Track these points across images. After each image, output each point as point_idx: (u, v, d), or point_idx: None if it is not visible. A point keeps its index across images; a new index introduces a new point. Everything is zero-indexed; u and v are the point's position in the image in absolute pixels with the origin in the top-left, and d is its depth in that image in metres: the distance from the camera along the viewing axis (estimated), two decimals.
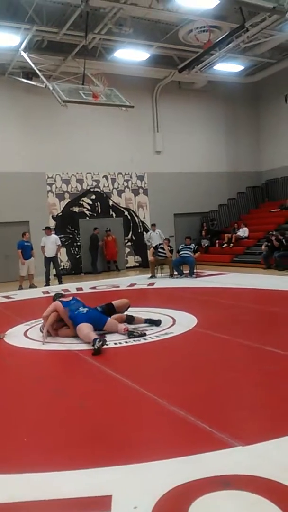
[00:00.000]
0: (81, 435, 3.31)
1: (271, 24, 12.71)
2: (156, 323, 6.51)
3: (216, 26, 12.71)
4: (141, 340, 5.79)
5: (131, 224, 17.22)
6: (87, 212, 16.37)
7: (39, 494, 2.57)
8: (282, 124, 18.28)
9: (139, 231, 17.28)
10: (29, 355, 5.71)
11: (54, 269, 13.41)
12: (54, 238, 13.35)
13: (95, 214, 16.47)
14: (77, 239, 16.13)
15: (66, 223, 15.94)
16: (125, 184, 17.05)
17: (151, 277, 13.08)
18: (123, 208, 17.05)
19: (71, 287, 12.13)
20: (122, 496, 2.49)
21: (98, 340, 5.40)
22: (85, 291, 11.23)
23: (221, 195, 18.68)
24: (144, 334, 5.96)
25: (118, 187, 16.92)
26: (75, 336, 6.03)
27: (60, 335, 6.23)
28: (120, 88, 12.82)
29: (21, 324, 7.18)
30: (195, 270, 12.85)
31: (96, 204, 16.53)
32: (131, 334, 5.94)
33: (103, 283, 12.54)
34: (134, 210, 17.26)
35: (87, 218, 16.32)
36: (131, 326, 6.25)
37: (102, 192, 16.61)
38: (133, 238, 17.22)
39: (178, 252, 13.44)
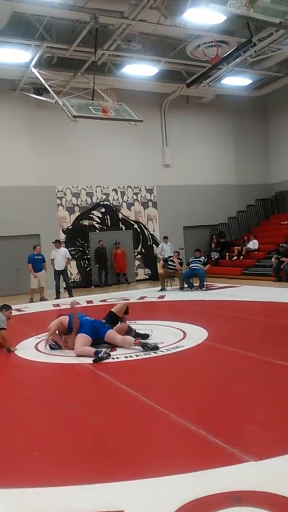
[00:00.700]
0: (91, 449, 3.30)
1: (278, 39, 12.80)
2: (143, 337, 6.46)
3: (224, 41, 12.83)
4: (152, 354, 5.77)
5: (141, 237, 17.26)
6: (96, 225, 16.46)
7: (50, 509, 2.57)
8: None
9: (149, 243, 17.31)
10: (40, 368, 5.72)
11: (64, 282, 13.45)
12: (63, 251, 13.42)
13: (104, 227, 16.55)
14: (87, 252, 16.19)
15: (76, 236, 16.03)
16: (135, 197, 17.14)
17: (161, 290, 13.06)
18: (133, 221, 17.12)
19: (81, 300, 12.11)
20: (133, 511, 2.47)
21: (101, 352, 5.59)
22: (95, 304, 11.25)
23: (231, 207, 18.68)
24: (157, 348, 5.94)
25: (127, 200, 17.00)
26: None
27: (69, 345, 6.24)
28: (129, 103, 12.96)
29: (32, 337, 7.21)
30: (205, 283, 12.82)
31: (105, 217, 16.62)
32: (145, 346, 5.94)
33: (113, 296, 12.54)
34: (144, 223, 17.31)
35: (97, 231, 16.40)
36: (142, 340, 6.23)
37: (111, 205, 16.70)
38: (143, 250, 17.25)
39: (188, 265, 13.43)
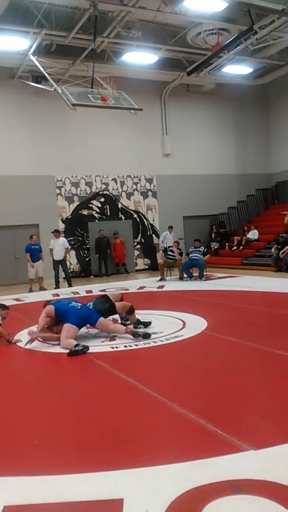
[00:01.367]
0: (92, 438, 3.31)
1: (280, 26, 12.67)
2: (146, 324, 6.50)
3: (225, 28, 12.69)
4: (151, 343, 5.78)
5: (140, 227, 17.22)
6: (96, 215, 16.41)
7: (50, 497, 2.57)
8: None
9: (148, 233, 17.28)
10: (39, 357, 5.72)
11: (63, 272, 13.44)
12: (62, 241, 13.39)
13: (104, 217, 16.51)
14: (87, 242, 16.16)
15: (75, 226, 15.99)
16: (134, 186, 17.07)
17: (160, 279, 13.06)
18: (132, 210, 17.07)
19: (80, 289, 12.15)
20: (133, 499, 2.48)
21: (79, 345, 5.56)
22: (95, 294, 11.24)
23: (231, 197, 18.62)
24: (149, 336, 5.95)
25: (127, 190, 16.94)
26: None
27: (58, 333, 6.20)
28: (128, 91, 12.85)
29: (31, 326, 7.19)
30: (204, 273, 12.81)
31: (105, 207, 16.56)
32: (135, 334, 5.96)
33: (112, 286, 12.54)
34: (143, 213, 17.26)
35: (96, 221, 16.36)
36: (134, 329, 6.27)
37: (111, 195, 16.64)
38: (142, 240, 17.22)
39: (188, 255, 13.42)
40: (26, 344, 6.02)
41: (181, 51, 14.62)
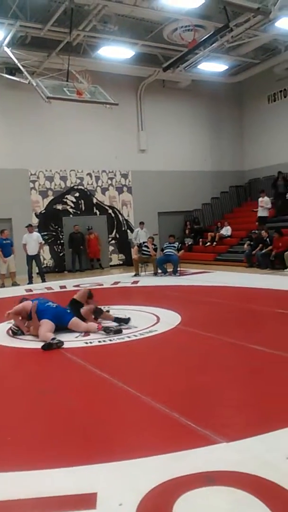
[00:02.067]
0: (65, 433, 3.30)
1: (255, 25, 12.80)
2: (125, 321, 6.49)
3: (201, 25, 12.74)
4: (125, 338, 5.79)
5: (115, 222, 17.19)
6: (70, 210, 16.29)
7: (23, 493, 2.56)
8: (265, 124, 18.45)
9: (123, 229, 17.26)
10: (12, 353, 5.67)
11: (37, 267, 13.30)
12: (36, 236, 13.23)
13: (78, 212, 16.40)
14: (61, 236, 16.03)
15: (49, 221, 15.84)
16: (109, 182, 17.01)
17: (135, 275, 13.08)
18: (107, 206, 17.01)
19: (54, 285, 12.06)
20: (107, 493, 2.49)
21: (55, 339, 5.58)
22: (69, 289, 11.17)
23: (205, 194, 18.77)
24: (120, 331, 5.99)
25: (102, 185, 16.86)
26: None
27: (31, 331, 6.20)
28: (104, 85, 12.78)
29: (3, 322, 7.11)
30: (178, 269, 12.90)
31: (80, 201, 16.46)
32: (107, 329, 5.99)
33: (87, 281, 12.48)
34: (118, 208, 17.23)
35: (71, 215, 16.24)
36: (104, 324, 6.25)
37: (86, 189, 16.54)
38: (117, 236, 17.19)
39: (162, 250, 13.48)
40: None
41: (157, 46, 14.61)
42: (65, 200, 16.18)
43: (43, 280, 13.00)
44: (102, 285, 11.74)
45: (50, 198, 15.89)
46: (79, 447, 3.05)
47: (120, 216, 17.25)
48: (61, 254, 16.03)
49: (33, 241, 13.01)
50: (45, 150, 15.40)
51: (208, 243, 16.77)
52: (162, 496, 2.44)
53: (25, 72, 12.73)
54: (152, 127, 17.53)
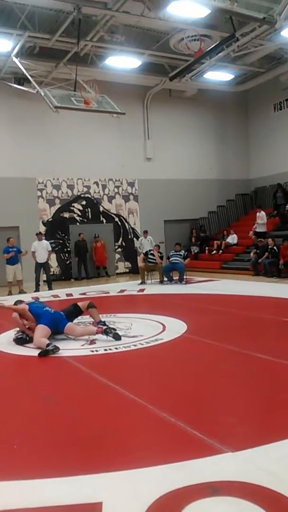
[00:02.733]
0: (70, 441, 3.31)
1: (261, 34, 12.85)
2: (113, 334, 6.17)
3: (207, 35, 12.82)
4: (131, 346, 5.80)
5: (122, 230, 17.24)
6: (77, 218, 16.36)
7: (29, 502, 2.57)
8: (271, 132, 18.48)
9: (129, 237, 17.30)
10: (18, 361, 5.69)
11: (45, 275, 13.36)
12: (45, 243, 13.31)
13: (85, 220, 16.47)
14: (67, 244, 16.10)
15: (56, 229, 15.91)
16: (116, 190, 17.08)
17: (141, 283, 13.09)
18: (114, 214, 17.07)
19: (60, 293, 12.10)
20: (112, 503, 2.50)
21: (50, 344, 5.67)
22: (75, 297, 11.20)
23: (211, 202, 18.79)
24: (119, 337, 6.02)
25: (108, 193, 16.94)
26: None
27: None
28: (111, 95, 12.88)
29: (10, 330, 7.15)
30: (184, 277, 12.89)
31: (86, 210, 16.53)
32: (107, 330, 6.07)
33: (93, 289, 12.52)
34: (125, 216, 17.29)
35: (78, 224, 16.31)
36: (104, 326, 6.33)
37: (92, 198, 16.62)
38: (123, 244, 17.23)
39: (168, 258, 13.49)
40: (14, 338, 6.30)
41: (164, 56, 14.72)
42: (72, 208, 16.26)
43: (50, 288, 13.05)
44: (108, 293, 11.77)
45: (57, 206, 15.99)
46: (84, 456, 3.06)
47: (126, 224, 17.30)
48: (67, 262, 16.08)
49: (42, 249, 13.09)
50: (53, 159, 15.52)
51: (214, 251, 16.76)
52: (167, 506, 2.44)
53: (33, 82, 12.86)
54: (159, 135, 17.61)
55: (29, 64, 13.26)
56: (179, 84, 16.06)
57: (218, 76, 16.21)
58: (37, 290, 12.81)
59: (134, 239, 17.15)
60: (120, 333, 6.24)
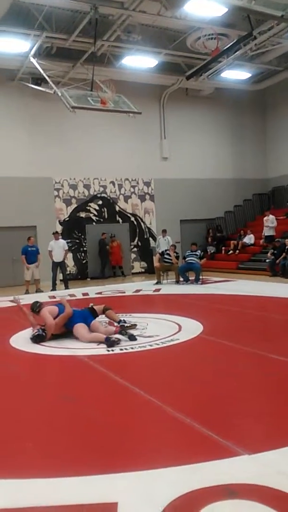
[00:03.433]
0: (86, 440, 3.31)
1: (279, 32, 12.74)
2: (130, 327, 6.44)
3: (224, 33, 12.75)
4: (147, 346, 5.79)
5: (137, 230, 17.24)
6: (93, 218, 16.42)
7: (44, 500, 2.57)
8: None
9: (145, 237, 17.30)
10: (35, 359, 5.72)
11: (61, 274, 13.43)
12: (62, 243, 13.40)
13: (101, 220, 16.52)
14: (84, 244, 16.17)
15: (72, 228, 15.99)
16: (132, 190, 17.10)
17: (156, 283, 13.07)
18: (130, 213, 17.09)
19: (77, 292, 12.15)
20: (127, 503, 2.48)
21: (113, 337, 5.86)
22: (91, 296, 11.24)
23: (227, 202, 18.67)
24: (134, 338, 6.08)
25: (124, 193, 16.96)
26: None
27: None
28: (128, 94, 12.88)
29: (27, 328, 7.19)
30: (200, 277, 12.84)
31: (102, 209, 16.58)
32: (122, 327, 6.23)
33: (109, 289, 12.54)
34: (141, 216, 17.29)
35: (94, 223, 16.37)
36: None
37: (108, 197, 16.66)
38: (139, 244, 17.23)
39: (184, 258, 13.44)
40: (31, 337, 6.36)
41: (181, 55, 14.68)
42: (88, 208, 16.33)
43: (67, 287, 13.12)
44: (124, 292, 11.78)
45: (74, 206, 16.06)
46: (100, 456, 3.06)
47: (142, 224, 17.30)
48: (84, 262, 16.14)
49: (58, 248, 13.18)
50: (69, 158, 15.60)
51: (231, 252, 16.65)
52: (183, 509, 2.42)
53: (51, 82, 12.94)
54: (175, 135, 17.57)
55: (46, 64, 13.35)
56: (195, 83, 16.00)
57: (235, 74, 16.11)
58: (53, 289, 12.89)
59: (150, 239, 17.15)
60: (135, 333, 6.26)
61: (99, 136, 15.89)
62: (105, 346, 5.88)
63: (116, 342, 5.86)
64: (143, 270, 17.14)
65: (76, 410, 3.93)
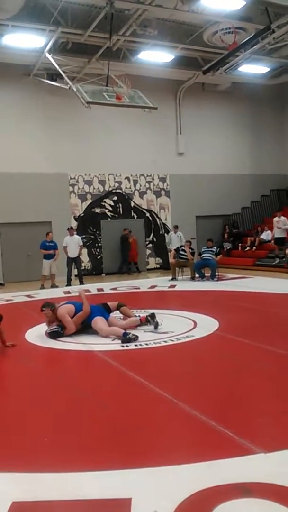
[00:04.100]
0: (100, 436, 3.30)
1: None
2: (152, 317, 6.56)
3: (242, 27, 12.58)
4: (162, 343, 5.76)
5: (153, 226, 17.20)
6: (108, 213, 16.42)
7: (59, 494, 2.58)
8: None
9: (161, 232, 17.24)
10: (50, 354, 5.74)
11: (76, 270, 13.48)
12: (77, 238, 13.44)
13: (116, 215, 16.51)
14: (99, 240, 16.18)
15: (87, 224, 16.02)
16: (147, 185, 17.04)
17: (172, 279, 13.02)
18: (145, 209, 17.05)
19: (91, 287, 12.17)
20: (142, 499, 2.47)
21: (130, 333, 5.84)
22: (106, 292, 11.25)
23: (244, 197, 18.49)
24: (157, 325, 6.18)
25: (140, 189, 16.92)
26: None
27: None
28: (143, 89, 12.81)
29: (42, 323, 7.22)
30: (216, 273, 12.74)
31: (117, 205, 16.57)
32: (148, 317, 6.38)
33: (124, 284, 12.54)
34: (156, 212, 17.23)
35: (109, 219, 16.37)
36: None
37: (124, 193, 16.63)
38: (154, 239, 17.19)
39: (200, 254, 13.36)
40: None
41: (197, 49, 14.54)
42: (103, 203, 16.33)
43: (81, 283, 13.16)
44: (139, 288, 11.76)
45: (89, 201, 16.07)
46: (114, 451, 3.05)
47: (157, 219, 17.25)
48: (98, 257, 16.17)
49: (74, 244, 13.22)
50: (84, 154, 15.60)
51: (248, 248, 16.50)
52: (197, 506, 2.40)
53: (66, 78, 12.94)
54: (191, 130, 17.45)
55: (61, 60, 13.34)
56: (212, 78, 15.84)
57: (253, 69, 15.90)
58: (68, 284, 12.94)
59: (165, 234, 17.08)
60: (150, 329, 6.25)
61: (114, 131, 15.86)
62: (119, 342, 5.86)
63: (133, 339, 5.81)
64: (158, 266, 17.10)
65: (91, 406, 3.92)
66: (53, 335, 6.26)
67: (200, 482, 2.57)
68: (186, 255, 13.03)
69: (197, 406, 3.63)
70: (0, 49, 12.82)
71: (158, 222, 17.26)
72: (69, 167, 15.55)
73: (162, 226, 17.28)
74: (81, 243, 13.53)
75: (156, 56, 14.37)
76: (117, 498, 2.50)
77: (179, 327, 6.57)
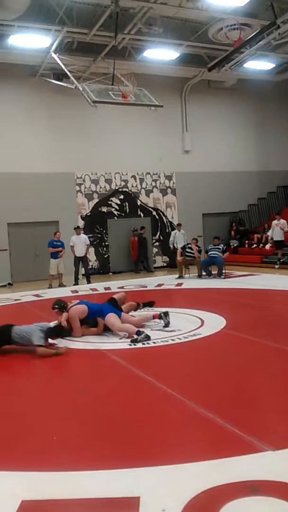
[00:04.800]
0: (108, 435, 3.32)
1: None
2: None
3: (247, 23, 12.51)
4: (169, 341, 5.77)
5: (159, 224, 17.19)
6: (115, 212, 16.43)
7: (67, 493, 2.59)
8: None
9: (167, 231, 17.21)
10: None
11: (83, 269, 13.51)
12: (84, 237, 13.46)
13: (123, 214, 16.52)
14: (106, 238, 16.21)
15: (94, 223, 16.04)
16: (153, 184, 17.03)
17: (179, 277, 13.01)
18: (151, 208, 17.04)
19: (99, 286, 12.20)
20: (150, 498, 2.48)
21: (143, 334, 5.80)
22: (113, 291, 11.26)
23: (251, 194, 18.43)
24: (148, 337, 5.89)
25: (146, 187, 16.91)
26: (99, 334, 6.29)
27: (85, 333, 6.30)
28: (149, 87, 12.79)
29: (51, 322, 7.25)
30: (223, 271, 12.72)
31: (124, 204, 16.57)
32: (161, 314, 6.44)
33: (131, 283, 12.55)
34: (162, 210, 17.22)
35: (115, 218, 16.38)
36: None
37: (130, 192, 16.64)
38: (161, 238, 17.18)
39: (207, 252, 13.33)
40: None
41: (203, 47, 14.48)
42: (110, 202, 16.34)
43: (89, 282, 13.19)
44: (146, 287, 11.76)
45: (96, 200, 16.10)
46: (122, 450, 3.06)
47: (164, 218, 17.24)
48: (105, 256, 16.19)
49: (80, 243, 13.24)
50: (91, 153, 15.62)
51: (255, 245, 16.45)
52: (205, 504, 2.40)
53: (72, 77, 12.94)
54: (197, 127, 17.40)
55: (67, 59, 13.35)
56: (218, 75, 15.79)
57: (259, 65, 15.84)
58: (76, 283, 12.98)
59: (172, 233, 17.07)
60: (157, 327, 6.25)
61: (120, 130, 15.86)
62: (127, 340, 5.87)
63: (145, 340, 5.77)
64: (165, 264, 17.09)
65: (99, 404, 3.93)
66: (51, 333, 6.05)
67: (208, 480, 2.58)
68: (193, 253, 13.02)
69: (205, 404, 3.63)
70: (7, 49, 12.90)
71: (165, 220, 17.24)
72: (75, 166, 15.58)
73: (168, 224, 17.27)
74: (88, 242, 13.55)
75: (161, 54, 14.34)
76: (126, 497, 2.51)
77: (186, 325, 6.57)
